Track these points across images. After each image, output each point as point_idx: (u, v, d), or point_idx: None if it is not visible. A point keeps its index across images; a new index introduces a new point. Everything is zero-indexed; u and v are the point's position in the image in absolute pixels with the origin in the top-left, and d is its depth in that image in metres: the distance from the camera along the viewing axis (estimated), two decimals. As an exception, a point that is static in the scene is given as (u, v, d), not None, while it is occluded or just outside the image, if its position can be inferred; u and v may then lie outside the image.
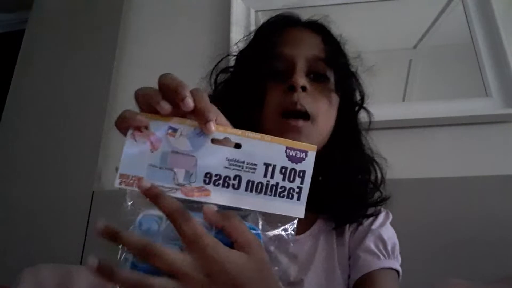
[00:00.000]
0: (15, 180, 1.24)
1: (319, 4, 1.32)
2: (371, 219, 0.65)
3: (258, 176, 0.38)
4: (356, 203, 0.64)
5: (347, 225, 0.64)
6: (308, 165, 0.39)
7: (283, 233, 0.39)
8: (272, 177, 0.38)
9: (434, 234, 0.98)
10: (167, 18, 1.43)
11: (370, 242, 0.61)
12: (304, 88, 0.58)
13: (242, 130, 0.39)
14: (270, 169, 0.38)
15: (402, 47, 1.33)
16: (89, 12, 1.46)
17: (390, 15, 1.33)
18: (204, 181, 0.37)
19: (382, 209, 0.68)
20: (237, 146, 0.39)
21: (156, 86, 0.39)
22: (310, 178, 0.39)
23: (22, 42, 1.46)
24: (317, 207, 0.62)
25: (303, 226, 0.64)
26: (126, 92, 1.35)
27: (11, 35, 1.79)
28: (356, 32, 1.34)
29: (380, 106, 1.17)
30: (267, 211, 0.38)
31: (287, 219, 0.39)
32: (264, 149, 0.39)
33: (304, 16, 0.74)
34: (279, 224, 0.39)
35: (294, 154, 0.39)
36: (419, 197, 1.04)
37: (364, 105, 0.72)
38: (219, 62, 0.72)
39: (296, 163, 0.39)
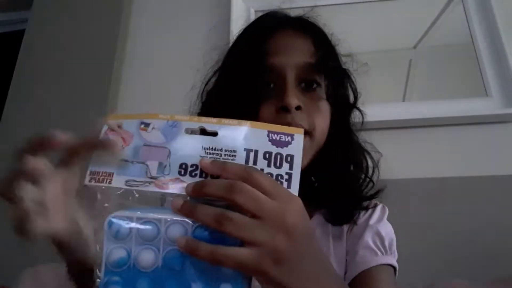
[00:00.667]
0: (15, 180, 1.24)
1: (320, 4, 1.32)
2: (368, 213, 0.64)
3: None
4: (351, 197, 0.63)
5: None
6: (295, 148, 0.36)
7: None
8: (255, 163, 0.35)
9: (434, 234, 0.98)
10: (167, 18, 1.43)
11: (368, 238, 0.60)
12: (298, 107, 0.55)
13: (218, 118, 0.37)
14: (251, 154, 0.35)
15: (402, 47, 1.33)
16: (89, 12, 1.46)
17: (390, 15, 1.33)
18: (179, 172, 0.35)
19: (378, 203, 0.66)
20: (214, 134, 0.36)
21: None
22: (300, 163, 0.35)
23: (22, 42, 1.46)
24: (313, 203, 0.60)
25: None
26: (126, 92, 1.35)
27: (11, 35, 1.80)
28: (356, 32, 1.35)
29: (380, 106, 1.18)
30: None
31: None
32: (243, 135, 0.36)
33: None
34: None
35: (277, 138, 0.36)
36: (419, 197, 1.04)
37: (357, 104, 0.70)
38: (209, 80, 0.68)
39: (282, 147, 0.36)
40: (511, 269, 0.85)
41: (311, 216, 0.62)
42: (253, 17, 1.33)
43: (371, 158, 0.67)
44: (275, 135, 0.36)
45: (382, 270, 0.58)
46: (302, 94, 0.57)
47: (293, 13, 0.71)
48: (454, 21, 1.27)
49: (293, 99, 0.54)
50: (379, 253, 0.59)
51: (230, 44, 0.68)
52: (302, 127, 0.51)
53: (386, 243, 0.61)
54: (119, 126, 0.38)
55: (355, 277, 0.58)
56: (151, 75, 1.33)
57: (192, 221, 0.33)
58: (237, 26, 1.29)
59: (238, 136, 0.36)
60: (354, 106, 0.68)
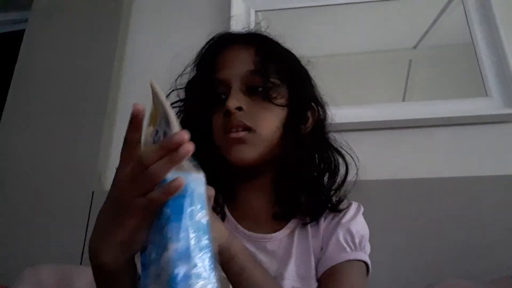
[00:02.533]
0: (15, 180, 1.24)
1: (319, 4, 1.33)
2: (342, 212, 0.67)
3: None
4: (317, 198, 0.67)
5: (322, 218, 0.67)
6: None
7: None
8: None
9: (433, 234, 0.98)
10: (167, 18, 1.43)
11: (339, 235, 0.64)
12: (240, 109, 0.62)
13: None
14: None
15: (402, 47, 1.33)
16: (89, 12, 1.46)
17: (390, 15, 1.33)
18: None
19: (354, 202, 0.70)
20: None
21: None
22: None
23: (22, 42, 1.46)
24: (290, 207, 0.66)
25: (279, 224, 0.66)
26: (126, 92, 1.35)
27: (11, 35, 1.79)
28: (356, 32, 1.35)
29: (380, 106, 1.18)
30: None
31: None
32: None
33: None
34: None
35: None
36: (419, 197, 1.04)
37: (319, 97, 0.74)
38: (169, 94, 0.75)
39: None
40: (511, 269, 0.85)
41: (289, 220, 0.67)
42: (253, 17, 1.34)
43: (342, 157, 0.71)
44: None
45: (351, 265, 0.61)
46: (248, 98, 0.64)
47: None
48: (454, 21, 1.27)
49: (232, 101, 0.61)
50: (348, 249, 0.63)
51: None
52: (246, 125, 0.61)
53: (356, 240, 0.64)
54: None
55: (324, 272, 0.61)
56: (151, 75, 1.33)
57: None
58: (237, 26, 1.29)
59: None
60: (310, 105, 0.71)
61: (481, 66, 1.17)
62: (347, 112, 1.16)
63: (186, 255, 0.34)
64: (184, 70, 0.75)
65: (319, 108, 0.73)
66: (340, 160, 0.70)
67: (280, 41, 0.74)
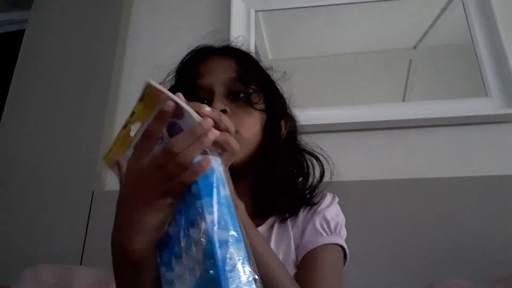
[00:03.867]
0: (15, 180, 1.24)
1: (319, 4, 1.33)
2: (319, 203, 0.73)
3: None
4: (293, 198, 0.72)
5: (301, 210, 0.72)
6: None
7: None
8: None
9: (433, 233, 0.98)
10: (167, 18, 1.43)
11: (316, 222, 0.69)
12: (224, 111, 0.65)
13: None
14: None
15: (402, 47, 1.33)
16: (89, 12, 1.46)
17: (390, 15, 1.33)
18: None
19: (328, 193, 0.75)
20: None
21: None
22: None
23: (22, 42, 1.46)
24: (268, 207, 0.71)
25: (259, 221, 0.70)
26: (126, 92, 1.35)
27: (11, 35, 1.80)
28: (356, 32, 1.35)
29: (380, 106, 1.18)
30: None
31: None
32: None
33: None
34: None
35: None
36: (419, 197, 1.04)
37: (289, 108, 0.80)
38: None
39: None
40: (511, 269, 0.85)
41: (268, 216, 0.72)
42: (253, 17, 1.34)
43: (316, 158, 0.78)
44: None
45: (327, 249, 0.66)
46: (230, 103, 0.69)
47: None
48: (454, 21, 1.27)
49: (218, 104, 0.66)
50: (324, 234, 0.68)
51: None
52: None
53: (332, 225, 0.69)
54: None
55: (303, 257, 0.66)
56: (151, 75, 1.33)
57: None
58: (237, 26, 1.29)
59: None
60: (281, 111, 0.78)
61: (481, 66, 1.17)
62: (347, 112, 1.16)
63: (223, 224, 0.39)
64: (166, 77, 0.80)
65: (291, 117, 0.80)
66: (315, 163, 0.77)
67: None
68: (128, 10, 1.47)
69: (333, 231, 0.68)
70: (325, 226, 0.69)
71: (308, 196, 0.73)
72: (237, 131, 0.65)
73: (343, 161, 1.12)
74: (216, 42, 0.81)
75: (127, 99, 1.33)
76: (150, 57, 1.38)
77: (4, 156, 1.29)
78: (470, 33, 1.22)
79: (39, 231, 1.15)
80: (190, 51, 0.79)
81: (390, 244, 0.99)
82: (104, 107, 1.29)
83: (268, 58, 1.33)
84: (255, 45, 1.28)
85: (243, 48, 0.82)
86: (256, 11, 1.35)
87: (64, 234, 1.13)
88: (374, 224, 1.02)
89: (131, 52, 1.41)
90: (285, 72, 0.82)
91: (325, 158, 0.79)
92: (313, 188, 0.74)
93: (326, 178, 0.77)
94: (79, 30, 1.44)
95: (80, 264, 1.08)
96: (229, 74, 0.70)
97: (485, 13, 1.22)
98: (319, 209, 0.71)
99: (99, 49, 1.38)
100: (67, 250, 1.10)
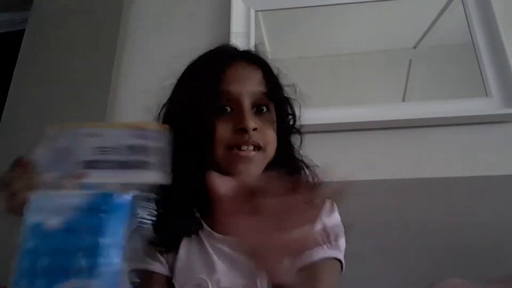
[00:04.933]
0: (15, 180, 1.24)
1: (319, 4, 1.33)
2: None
3: (121, 156, 0.47)
4: None
5: None
6: (152, 139, 0.47)
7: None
8: (132, 154, 0.47)
9: (433, 234, 0.98)
10: (167, 18, 1.43)
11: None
12: (255, 129, 0.65)
13: (101, 123, 0.47)
14: (127, 148, 0.48)
15: (402, 47, 1.33)
16: (89, 12, 1.46)
17: (390, 15, 1.33)
18: (85, 167, 0.48)
19: (327, 200, 0.72)
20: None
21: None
22: (159, 150, 0.47)
23: (22, 42, 1.46)
24: None
25: None
26: (126, 92, 1.35)
27: (11, 35, 1.79)
28: (356, 32, 1.35)
29: (380, 106, 1.18)
30: (129, 182, 0.46)
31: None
32: (118, 134, 0.48)
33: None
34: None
35: (140, 134, 0.48)
36: (419, 197, 1.04)
37: (296, 126, 0.80)
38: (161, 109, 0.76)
39: (144, 140, 0.48)
40: (511, 269, 0.85)
41: None
42: (253, 17, 1.33)
43: (310, 169, 0.76)
44: (137, 131, 0.48)
45: (327, 263, 0.64)
46: (255, 116, 0.68)
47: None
48: (454, 21, 1.27)
49: (251, 122, 0.65)
50: (324, 247, 0.65)
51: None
52: (259, 145, 0.66)
53: (332, 238, 0.66)
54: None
55: (301, 267, 0.63)
56: (151, 75, 1.33)
57: (87, 194, 0.44)
58: (237, 26, 1.29)
59: (115, 136, 0.48)
60: (294, 127, 0.78)
61: (481, 66, 1.17)
62: (347, 112, 1.16)
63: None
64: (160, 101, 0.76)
65: (299, 130, 0.80)
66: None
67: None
68: (128, 11, 1.47)
69: (333, 243, 0.67)
70: (325, 237, 0.64)
71: None
72: (263, 149, 0.66)
73: (343, 161, 1.12)
74: (218, 43, 0.78)
75: (127, 99, 1.33)
76: (150, 57, 1.38)
77: (4, 156, 1.28)
78: (470, 33, 1.22)
79: (39, 231, 1.15)
80: (211, 51, 0.76)
81: (390, 244, 0.99)
82: (104, 107, 1.28)
83: (268, 58, 1.33)
84: (255, 45, 1.28)
85: (267, 57, 0.79)
86: (256, 11, 1.35)
87: (64, 234, 1.13)
88: (374, 224, 1.02)
89: (131, 51, 1.41)
90: (308, 96, 0.81)
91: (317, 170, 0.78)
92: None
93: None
94: (79, 30, 1.44)
95: (80, 264, 1.08)
96: (258, 86, 0.69)
97: (485, 13, 1.22)
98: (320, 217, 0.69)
99: (99, 49, 1.38)
100: (67, 250, 1.10)
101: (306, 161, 0.78)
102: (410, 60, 1.30)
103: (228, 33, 1.27)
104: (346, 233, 0.70)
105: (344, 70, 1.30)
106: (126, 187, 0.46)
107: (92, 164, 0.49)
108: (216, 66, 0.70)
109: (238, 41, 1.26)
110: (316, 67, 1.32)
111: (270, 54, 1.34)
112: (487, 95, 1.14)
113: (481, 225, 0.98)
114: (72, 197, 0.45)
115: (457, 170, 1.07)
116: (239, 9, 1.33)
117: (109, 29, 1.40)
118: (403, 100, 1.24)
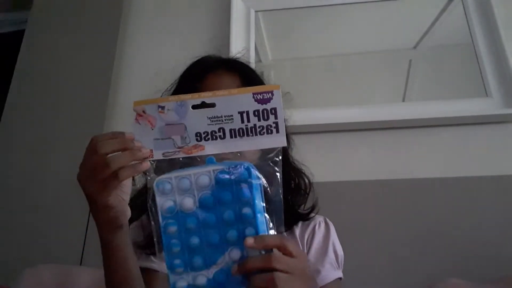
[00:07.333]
0: (15, 180, 1.24)
1: (319, 4, 1.33)
2: (312, 227, 0.74)
3: (236, 124, 0.46)
4: (289, 216, 0.74)
5: (295, 225, 0.74)
6: (276, 102, 0.46)
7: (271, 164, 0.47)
8: (248, 121, 0.46)
9: (433, 234, 0.98)
10: (167, 18, 1.43)
11: (328, 253, 0.71)
12: None
13: (212, 92, 0.47)
14: (244, 115, 0.46)
15: (402, 47, 1.33)
16: (89, 12, 1.46)
17: (390, 15, 1.33)
18: (197, 139, 0.47)
19: (318, 216, 0.76)
20: (213, 105, 0.47)
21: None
22: (282, 112, 0.46)
23: (22, 42, 1.46)
24: None
25: None
26: (126, 92, 1.35)
27: (11, 35, 1.80)
28: (356, 32, 1.35)
29: (380, 106, 1.18)
30: (254, 149, 0.47)
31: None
32: (234, 101, 0.46)
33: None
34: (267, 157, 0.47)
35: (261, 97, 0.46)
36: (419, 197, 1.04)
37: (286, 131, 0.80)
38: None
39: (265, 103, 0.46)
40: (511, 269, 0.85)
41: None
42: (253, 18, 1.33)
43: (307, 177, 0.79)
44: (259, 95, 0.46)
45: (336, 283, 0.69)
46: None
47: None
48: (454, 21, 1.27)
49: None
50: (336, 268, 0.71)
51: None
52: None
53: (339, 259, 0.72)
54: (144, 111, 0.48)
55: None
56: (151, 75, 1.33)
57: (213, 170, 0.45)
58: (237, 26, 1.29)
59: (230, 103, 0.46)
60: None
61: (481, 66, 1.17)
62: (347, 112, 1.16)
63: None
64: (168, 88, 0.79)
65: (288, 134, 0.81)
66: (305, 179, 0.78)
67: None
68: (128, 11, 1.47)
69: (340, 265, 0.71)
70: (334, 259, 0.71)
71: (300, 211, 0.74)
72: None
73: (343, 161, 1.13)
74: (217, 46, 0.81)
75: (127, 99, 1.33)
76: (150, 57, 1.38)
77: (4, 156, 1.29)
78: (470, 33, 1.22)
79: (39, 231, 1.15)
80: (193, 63, 0.78)
81: (390, 244, 0.99)
82: (104, 107, 1.28)
83: (268, 58, 1.33)
84: (255, 45, 1.28)
85: (248, 63, 0.81)
86: (256, 11, 1.35)
87: (64, 234, 1.13)
88: (374, 224, 1.02)
89: (131, 51, 1.41)
90: (288, 92, 0.80)
91: (308, 174, 0.80)
92: (303, 202, 0.75)
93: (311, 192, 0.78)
94: (79, 30, 1.44)
95: (80, 264, 1.08)
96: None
97: (485, 13, 1.22)
98: (330, 239, 0.72)
99: (99, 49, 1.38)
100: (67, 250, 1.10)
101: (296, 164, 0.79)
102: (410, 60, 1.30)
103: (228, 33, 1.27)
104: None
105: (344, 70, 1.30)
106: (246, 154, 0.49)
107: (206, 136, 0.47)
108: (193, 78, 0.74)
109: (238, 41, 1.26)
110: (316, 67, 1.32)
111: (270, 54, 1.34)
112: (487, 95, 1.14)
113: (481, 225, 0.98)
114: (200, 174, 0.45)
115: (457, 170, 1.07)
116: (239, 9, 1.33)
117: (109, 29, 1.40)
118: (403, 100, 1.23)
